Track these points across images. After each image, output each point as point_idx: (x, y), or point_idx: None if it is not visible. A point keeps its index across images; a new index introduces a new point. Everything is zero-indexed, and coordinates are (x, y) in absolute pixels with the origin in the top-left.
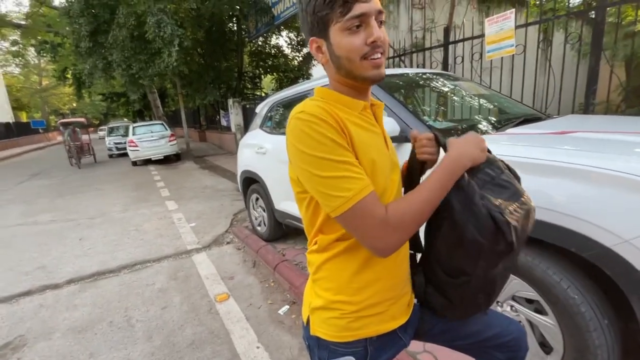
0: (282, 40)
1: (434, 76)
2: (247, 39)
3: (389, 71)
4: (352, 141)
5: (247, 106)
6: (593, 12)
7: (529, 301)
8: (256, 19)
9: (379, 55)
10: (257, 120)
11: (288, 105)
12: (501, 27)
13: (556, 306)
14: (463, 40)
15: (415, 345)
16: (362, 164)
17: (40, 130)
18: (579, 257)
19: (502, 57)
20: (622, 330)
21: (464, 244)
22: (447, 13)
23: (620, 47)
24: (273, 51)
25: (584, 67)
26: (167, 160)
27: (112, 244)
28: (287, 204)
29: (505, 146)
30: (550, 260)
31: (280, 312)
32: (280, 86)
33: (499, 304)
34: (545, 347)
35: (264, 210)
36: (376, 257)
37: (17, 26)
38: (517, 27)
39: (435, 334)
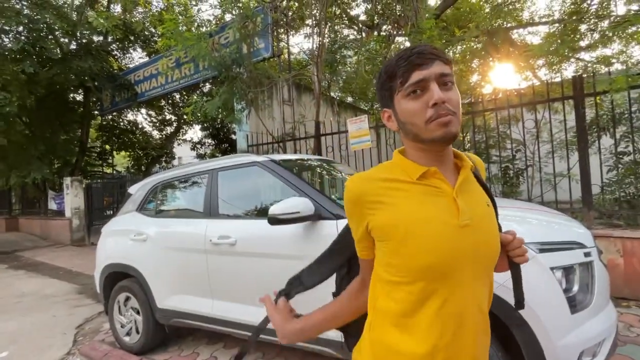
0: (141, 116)
1: (322, 162)
2: (97, 112)
3: (288, 156)
4: (380, 207)
5: (93, 185)
6: None
7: None
8: (113, 94)
9: (446, 116)
10: (133, 202)
11: (175, 185)
12: (359, 126)
13: None
14: (332, 134)
15: None
16: (387, 231)
17: None
18: None
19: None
20: None
21: None
22: (314, 110)
23: None
24: (129, 127)
25: None
26: None
27: None
28: (176, 299)
29: None
30: None
31: None
32: (138, 164)
33: None
34: None
35: (137, 313)
36: None
37: None
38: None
39: None
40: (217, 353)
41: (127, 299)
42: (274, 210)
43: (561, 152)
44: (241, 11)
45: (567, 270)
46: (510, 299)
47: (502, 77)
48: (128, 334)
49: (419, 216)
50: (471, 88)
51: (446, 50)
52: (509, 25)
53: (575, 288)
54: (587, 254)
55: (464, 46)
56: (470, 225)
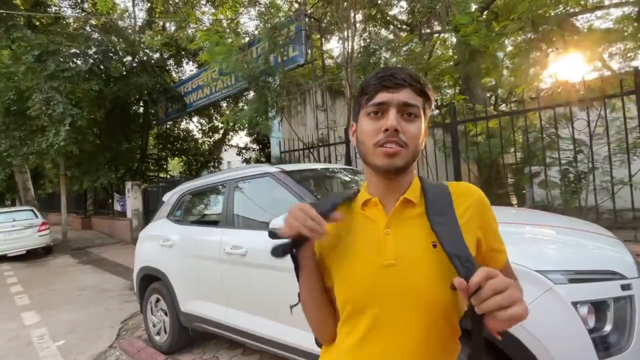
0: (192, 125)
1: (344, 171)
2: (154, 122)
3: (303, 166)
4: (337, 242)
5: (149, 189)
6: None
7: None
8: (166, 105)
9: (393, 146)
10: (165, 210)
11: (200, 194)
12: None
13: None
14: None
15: None
16: (326, 259)
17: None
18: None
19: None
20: None
21: None
22: (346, 116)
23: (469, 152)
24: (182, 134)
25: (451, 164)
26: (32, 255)
27: None
28: (196, 304)
29: None
30: None
31: None
32: (189, 169)
33: None
34: None
35: (165, 314)
36: None
37: None
38: None
39: None
40: (236, 359)
41: (158, 300)
42: (273, 224)
43: (621, 156)
44: (276, 19)
45: (597, 306)
46: (521, 335)
47: (562, 69)
48: (158, 333)
49: (348, 249)
50: (515, 85)
51: (491, 46)
52: (571, 10)
53: (607, 328)
54: (625, 287)
55: (516, 39)
56: (395, 265)
